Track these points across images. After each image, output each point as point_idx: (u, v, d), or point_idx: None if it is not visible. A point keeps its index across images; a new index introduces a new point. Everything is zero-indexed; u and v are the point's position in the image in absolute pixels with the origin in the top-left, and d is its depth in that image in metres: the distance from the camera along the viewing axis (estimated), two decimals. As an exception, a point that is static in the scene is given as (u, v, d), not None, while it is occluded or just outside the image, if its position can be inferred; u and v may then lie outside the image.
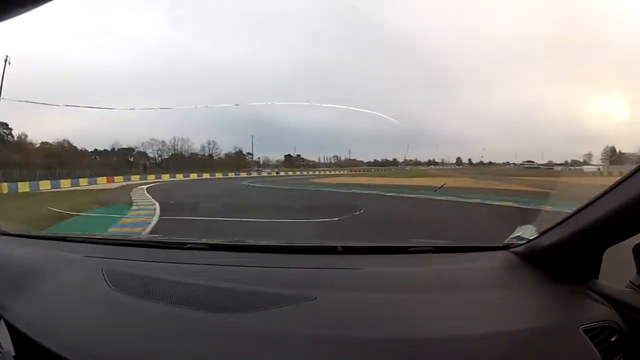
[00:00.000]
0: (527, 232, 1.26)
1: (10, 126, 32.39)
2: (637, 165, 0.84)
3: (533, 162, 31.65)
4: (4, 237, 1.60)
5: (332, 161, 45.55)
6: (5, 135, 32.95)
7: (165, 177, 34.25)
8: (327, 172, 39.54)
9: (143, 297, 0.99)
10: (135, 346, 0.83)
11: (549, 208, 6.98)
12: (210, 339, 0.83)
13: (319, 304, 0.93)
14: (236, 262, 1.26)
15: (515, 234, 1.31)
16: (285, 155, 43.58)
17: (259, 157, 42.67)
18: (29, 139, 32.87)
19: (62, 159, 30.74)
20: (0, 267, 1.25)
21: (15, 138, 32.91)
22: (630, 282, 1.00)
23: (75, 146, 35.25)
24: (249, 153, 42.60)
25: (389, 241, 1.61)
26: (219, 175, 37.99)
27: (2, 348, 0.87)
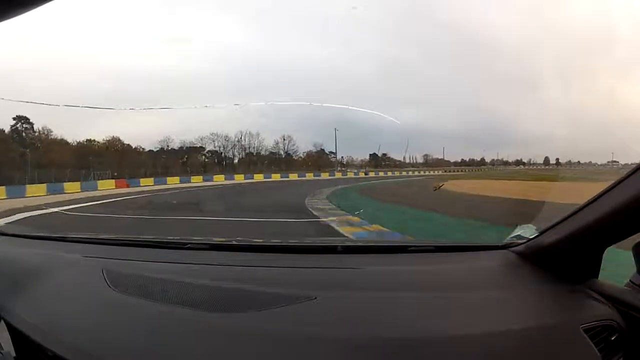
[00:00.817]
0: (527, 231, 1.24)
1: (31, 121, 31.45)
2: (638, 164, 0.82)
3: (617, 161, 29.00)
4: (3, 237, 1.59)
5: (421, 161, 43.37)
6: (24, 131, 31.97)
7: (219, 178, 30.44)
8: (427, 173, 37.07)
9: (143, 297, 0.99)
10: (136, 346, 0.83)
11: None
12: (210, 339, 0.83)
13: (320, 303, 0.93)
14: (236, 261, 1.27)
15: (515, 233, 1.30)
16: (370, 155, 41.93)
17: (342, 157, 40.07)
18: (53, 135, 32.31)
19: (112, 157, 30.46)
20: (0, 267, 1.25)
21: (37, 134, 32.09)
22: (630, 280, 1.00)
23: (128, 144, 34.28)
24: (331, 152, 39.25)
25: (388, 240, 1.65)
26: (293, 176, 33.56)
27: (2, 349, 0.87)
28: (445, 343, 0.80)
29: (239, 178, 31.51)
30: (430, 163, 42.95)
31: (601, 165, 31.72)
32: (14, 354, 0.87)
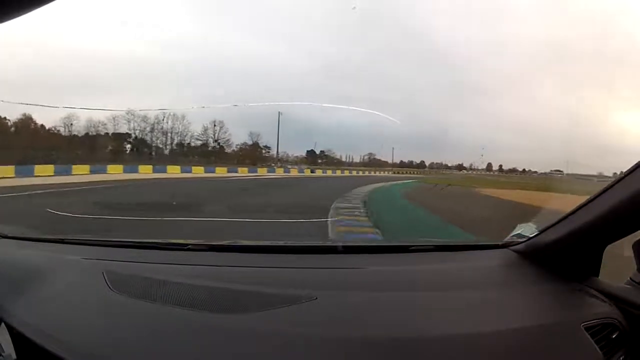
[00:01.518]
0: (527, 230, 1.26)
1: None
2: (638, 162, 0.83)
3: (561, 171, 31.05)
4: (3, 239, 1.59)
5: (358, 160, 43.40)
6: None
7: (116, 170, 21.96)
8: (372, 174, 35.63)
9: (144, 299, 0.99)
10: (136, 348, 0.83)
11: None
12: (211, 340, 0.83)
13: (320, 303, 0.93)
14: (236, 262, 1.26)
15: (515, 231, 1.31)
16: (307, 151, 39.57)
17: (277, 152, 37.57)
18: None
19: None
20: (0, 269, 1.25)
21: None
22: (630, 278, 1.00)
23: (42, 124, 27.83)
24: (266, 146, 35.20)
25: (389, 240, 1.62)
26: (220, 171, 26.28)
27: (3, 351, 0.87)
28: (446, 342, 0.80)
29: (146, 170, 24.03)
30: (368, 163, 42.79)
31: (543, 173, 33.05)
32: (14, 357, 0.86)
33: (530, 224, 1.28)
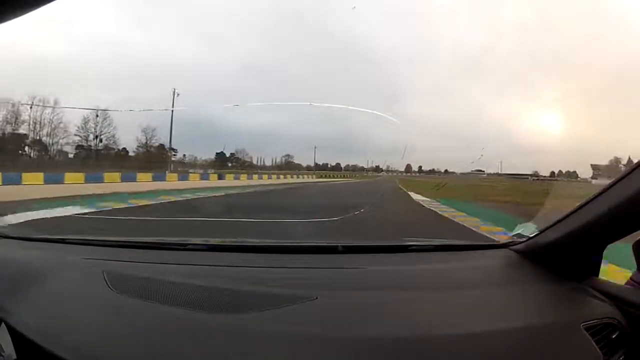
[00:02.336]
0: (527, 229, 1.27)
1: None
2: (637, 162, 0.84)
3: (483, 170, 34.10)
4: (3, 239, 1.57)
5: (281, 162, 41.37)
6: None
7: None
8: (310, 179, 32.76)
9: (143, 299, 0.98)
10: (136, 348, 0.83)
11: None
12: (211, 340, 0.82)
13: (320, 303, 0.93)
14: (236, 262, 1.26)
15: (516, 231, 1.33)
16: (217, 154, 36.45)
17: (184, 155, 33.45)
18: None
19: None
20: (0, 269, 1.24)
21: None
22: (630, 278, 1.01)
23: None
24: (172, 149, 30.04)
25: (389, 240, 1.60)
26: (111, 179, 18.16)
27: (3, 351, 0.87)
28: (446, 342, 0.80)
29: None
30: (283, 166, 41.25)
31: (463, 173, 34.78)
32: (15, 357, 0.87)
33: (530, 223, 1.31)
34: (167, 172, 26.90)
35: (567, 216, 1.04)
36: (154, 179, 21.84)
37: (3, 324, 0.92)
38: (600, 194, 0.93)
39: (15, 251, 1.44)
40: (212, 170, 32.51)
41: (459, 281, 1.09)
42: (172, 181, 22.64)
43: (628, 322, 0.91)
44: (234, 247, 1.43)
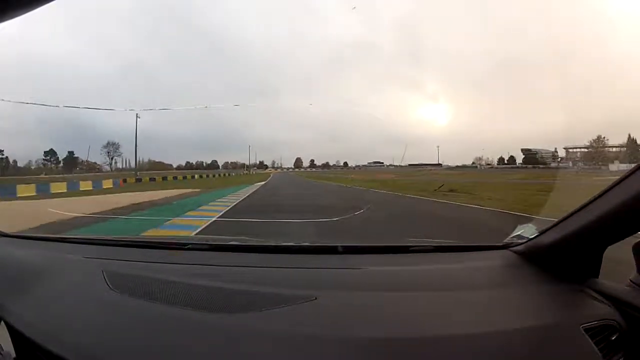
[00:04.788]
0: (527, 231, 1.27)
1: None
2: (638, 164, 0.84)
3: (382, 162, 37.60)
4: (3, 238, 1.57)
5: (146, 162, 39.95)
6: None
7: None
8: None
9: (143, 298, 0.98)
10: (136, 347, 0.82)
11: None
12: (210, 340, 0.82)
13: (320, 304, 0.93)
14: (236, 262, 1.26)
15: (516, 232, 1.32)
16: (45, 152, 34.49)
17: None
18: None
19: None
20: (0, 268, 1.24)
21: None
22: (630, 280, 1.01)
23: None
24: None
25: (389, 241, 1.60)
26: None
27: (2, 350, 0.87)
28: (445, 342, 0.79)
29: None
30: (144, 166, 40.38)
31: (357, 166, 38.47)
32: (14, 355, 0.86)
33: (530, 225, 1.29)
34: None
35: (567, 218, 1.04)
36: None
37: (2, 323, 0.92)
38: (600, 195, 0.93)
39: (15, 250, 1.44)
40: (61, 176, 26.74)
41: (459, 282, 1.09)
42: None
43: (628, 324, 0.91)
44: (234, 247, 1.43)
